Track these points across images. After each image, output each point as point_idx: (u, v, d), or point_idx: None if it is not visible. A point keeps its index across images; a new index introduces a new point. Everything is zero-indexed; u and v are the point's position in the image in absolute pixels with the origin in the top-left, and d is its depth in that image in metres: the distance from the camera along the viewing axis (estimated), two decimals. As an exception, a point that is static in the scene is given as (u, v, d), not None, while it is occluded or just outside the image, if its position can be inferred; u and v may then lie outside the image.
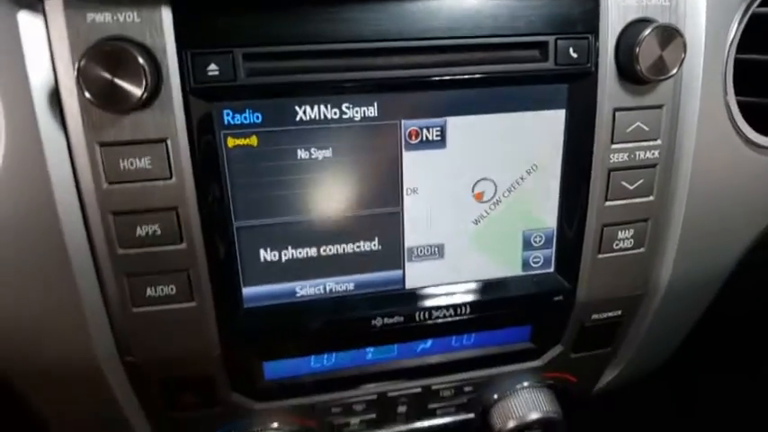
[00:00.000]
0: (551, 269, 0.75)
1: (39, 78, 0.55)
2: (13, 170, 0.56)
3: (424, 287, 0.72)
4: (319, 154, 0.64)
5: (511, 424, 0.82)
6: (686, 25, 0.68)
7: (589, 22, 0.64)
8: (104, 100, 0.53)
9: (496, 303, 0.74)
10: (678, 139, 0.71)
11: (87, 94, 0.52)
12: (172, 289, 0.62)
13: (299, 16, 0.58)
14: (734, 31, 0.71)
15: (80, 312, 0.62)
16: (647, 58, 0.63)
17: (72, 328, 0.62)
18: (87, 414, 0.71)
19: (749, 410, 1.15)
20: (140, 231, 0.60)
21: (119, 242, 0.60)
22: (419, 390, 0.79)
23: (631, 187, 0.70)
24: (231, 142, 0.62)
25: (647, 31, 0.62)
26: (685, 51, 0.64)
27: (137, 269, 0.61)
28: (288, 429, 0.76)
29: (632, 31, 0.64)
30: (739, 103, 0.74)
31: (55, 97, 0.56)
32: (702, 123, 0.71)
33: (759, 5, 0.72)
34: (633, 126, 0.68)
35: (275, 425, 0.76)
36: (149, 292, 0.62)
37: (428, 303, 0.71)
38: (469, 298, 0.72)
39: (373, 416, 0.80)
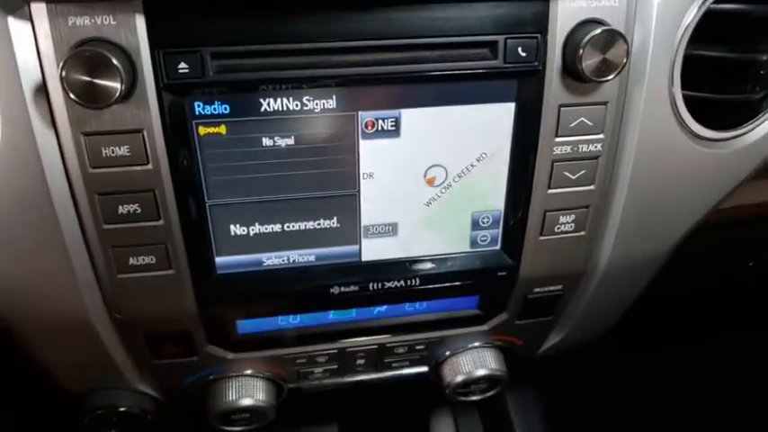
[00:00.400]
0: (497, 247, 0.82)
1: (28, 76, 0.62)
2: (9, 156, 0.64)
3: (379, 261, 0.80)
4: (282, 142, 0.70)
5: (459, 378, 0.91)
6: (635, 24, 0.71)
7: (538, 22, 0.68)
8: (86, 99, 0.59)
9: (445, 276, 0.81)
10: (622, 133, 0.76)
11: (71, 95, 0.59)
12: (152, 259, 0.71)
13: (264, 18, 0.64)
14: (684, 27, 0.74)
15: (72, 276, 0.71)
16: (590, 61, 0.67)
17: (65, 289, 0.71)
18: (81, 359, 0.81)
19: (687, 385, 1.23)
20: (122, 210, 0.67)
21: (103, 219, 0.68)
22: (375, 346, 0.88)
23: (573, 177, 0.76)
24: (202, 130, 0.68)
25: (590, 36, 0.66)
26: (629, 55, 0.68)
27: (120, 242, 0.69)
28: (259, 375, 0.87)
29: (579, 32, 0.68)
30: (688, 99, 0.77)
31: (43, 92, 0.62)
32: (647, 118, 0.76)
33: (714, 2, 0.76)
34: (577, 121, 0.73)
35: (249, 372, 0.87)
36: (132, 261, 0.71)
37: (381, 275, 0.79)
38: (420, 271, 0.80)
39: (335, 366, 0.90)
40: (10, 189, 0.65)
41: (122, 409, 0.85)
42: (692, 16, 0.73)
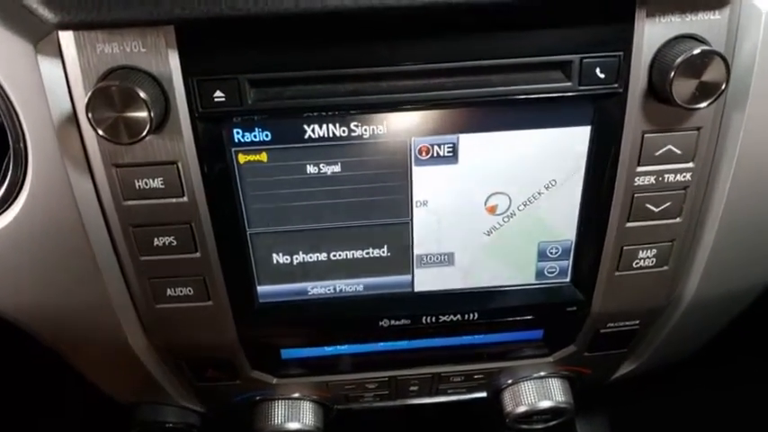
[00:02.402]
0: (567, 279, 0.74)
1: (58, 107, 0.58)
2: (41, 190, 0.61)
3: (433, 291, 0.73)
4: (328, 169, 0.65)
5: (521, 409, 0.85)
6: (738, 40, 0.61)
7: (620, 39, 0.59)
8: (115, 135, 0.55)
9: (507, 310, 0.74)
10: (717, 160, 0.66)
11: (100, 132, 0.55)
12: (190, 290, 0.67)
13: (305, 42, 0.57)
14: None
15: (109, 306, 0.68)
16: (682, 86, 0.57)
17: (104, 318, 0.69)
18: (125, 379, 0.80)
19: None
20: (158, 242, 0.64)
21: (139, 251, 0.64)
22: (429, 375, 0.83)
23: (657, 209, 0.67)
24: (242, 158, 0.63)
25: (684, 57, 0.56)
26: (729, 78, 0.58)
27: (157, 273, 0.66)
28: (306, 398, 0.83)
29: (670, 51, 0.58)
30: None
31: (73, 124, 0.59)
32: (747, 144, 0.65)
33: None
34: (664, 149, 0.63)
35: (296, 395, 0.83)
36: (170, 292, 0.67)
37: (436, 307, 0.73)
38: (479, 304, 0.74)
39: (386, 392, 0.85)
40: (45, 219, 0.63)
41: (169, 425, 0.84)
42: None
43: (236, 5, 0.52)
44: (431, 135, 0.64)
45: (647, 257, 0.70)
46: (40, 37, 0.56)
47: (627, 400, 1.05)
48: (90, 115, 0.54)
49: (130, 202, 0.62)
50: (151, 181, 0.61)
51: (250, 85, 0.58)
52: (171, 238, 0.64)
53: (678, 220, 0.68)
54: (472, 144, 0.64)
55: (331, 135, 0.63)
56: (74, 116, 0.58)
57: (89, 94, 0.53)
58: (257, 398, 0.83)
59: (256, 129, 0.62)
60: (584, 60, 0.59)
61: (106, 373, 0.81)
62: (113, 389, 0.84)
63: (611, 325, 0.77)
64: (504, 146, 0.65)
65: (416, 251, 0.71)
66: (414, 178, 0.66)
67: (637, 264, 0.70)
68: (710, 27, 0.59)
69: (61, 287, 0.67)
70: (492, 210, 0.69)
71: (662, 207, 0.67)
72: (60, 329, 0.72)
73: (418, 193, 0.67)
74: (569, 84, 0.60)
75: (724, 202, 0.69)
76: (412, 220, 0.69)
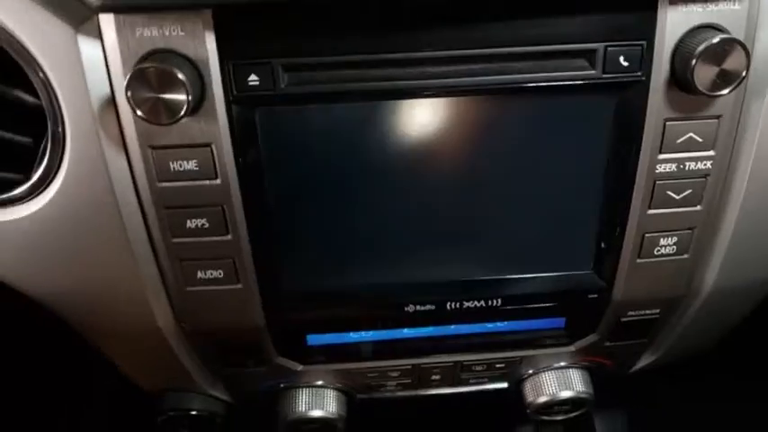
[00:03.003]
0: (589, 269, 0.75)
1: (97, 90, 0.60)
2: (78, 169, 0.62)
3: (458, 279, 0.74)
4: (357, 156, 0.66)
5: (542, 399, 0.86)
6: (758, 31, 0.62)
7: (643, 28, 0.60)
8: (153, 114, 0.57)
9: (530, 297, 0.75)
10: (735, 149, 0.67)
11: (139, 112, 0.57)
12: (220, 273, 0.69)
13: (339, 28, 0.59)
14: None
15: (141, 288, 0.70)
16: (704, 73, 0.58)
17: (135, 300, 0.71)
18: (153, 364, 0.82)
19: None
20: (190, 224, 0.65)
21: (171, 232, 0.66)
22: (452, 363, 0.84)
23: (678, 197, 0.68)
24: None
25: (705, 45, 0.57)
26: (749, 66, 0.59)
27: (188, 255, 0.68)
28: (330, 386, 0.85)
29: (691, 40, 0.59)
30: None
31: (111, 106, 0.60)
32: (766, 131, 0.67)
33: None
34: (685, 137, 0.65)
35: (320, 382, 0.85)
36: (200, 275, 0.69)
37: (460, 294, 0.74)
38: (502, 290, 0.75)
39: (408, 381, 0.86)
40: (80, 201, 0.64)
41: (193, 413, 0.85)
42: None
43: None
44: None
45: (668, 245, 0.71)
46: (81, 21, 0.58)
47: (644, 396, 1.05)
48: (129, 95, 0.55)
49: (165, 184, 0.63)
50: (185, 163, 0.62)
51: (283, 69, 0.60)
52: (203, 221, 0.65)
53: (699, 207, 0.69)
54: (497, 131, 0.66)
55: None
56: (112, 99, 0.60)
57: (129, 74, 0.55)
58: (282, 385, 0.84)
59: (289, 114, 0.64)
60: (609, 49, 0.61)
61: (136, 359, 0.82)
62: (142, 376, 0.85)
63: (632, 313, 0.78)
64: (530, 132, 0.66)
65: (440, 239, 0.72)
66: None
67: (658, 251, 0.71)
68: (731, 16, 0.60)
69: (94, 270, 0.69)
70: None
71: (683, 194, 0.68)
72: (92, 313, 0.73)
73: (443, 182, 0.69)
74: (594, 72, 0.61)
75: (743, 192, 0.70)
76: None
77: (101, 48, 0.58)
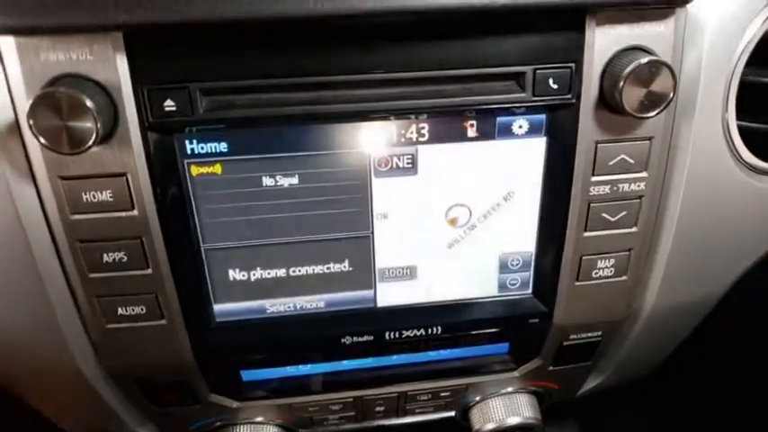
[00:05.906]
0: (529, 291, 0.73)
1: (0, 116, 0.56)
2: None
3: (396, 306, 0.72)
4: (285, 181, 0.64)
5: (490, 426, 0.83)
6: (684, 51, 0.62)
7: (572, 50, 0.60)
8: (58, 145, 0.53)
9: (471, 323, 0.74)
10: (668, 170, 0.67)
11: (42, 140, 0.53)
12: (142, 309, 0.65)
13: (257, 50, 0.57)
14: (740, 51, 0.65)
15: (58, 328, 0.65)
16: (632, 95, 0.58)
17: (52, 341, 0.66)
18: (78, 407, 0.76)
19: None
20: (107, 258, 0.62)
21: (87, 267, 0.62)
22: (395, 394, 0.81)
23: (613, 219, 0.67)
24: (195, 170, 0.62)
25: (632, 66, 0.57)
26: (676, 88, 0.59)
27: (107, 291, 0.64)
28: (270, 423, 0.81)
29: (620, 61, 0.59)
30: (742, 130, 0.68)
31: (16, 134, 0.57)
32: (697, 152, 0.67)
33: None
34: (617, 158, 0.64)
35: (259, 418, 0.81)
36: (121, 311, 0.65)
37: (399, 322, 0.72)
38: (442, 317, 0.72)
39: (352, 413, 0.83)
40: None
41: (124, 456, 0.81)
42: (749, 37, 0.64)
43: (184, 12, 0.51)
44: (389, 146, 0.63)
45: (606, 267, 0.70)
46: None
47: (597, 413, 1.04)
48: (32, 122, 0.52)
49: (78, 216, 0.59)
50: (99, 194, 0.59)
51: (202, 93, 0.57)
52: (121, 254, 0.62)
53: (634, 229, 0.68)
54: (431, 155, 0.64)
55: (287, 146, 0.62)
56: (17, 126, 0.57)
57: (31, 100, 0.52)
58: (217, 423, 0.80)
59: (211, 140, 0.61)
60: (538, 71, 0.60)
61: (57, 403, 0.77)
62: (65, 420, 0.80)
63: (574, 337, 0.77)
64: (462, 157, 0.65)
65: (378, 265, 0.70)
66: (374, 190, 0.65)
67: (596, 274, 0.70)
68: (657, 38, 0.60)
69: (5, 307, 0.64)
70: (453, 222, 0.68)
71: (618, 216, 0.67)
72: (6, 357, 0.68)
73: (379, 206, 0.66)
74: (524, 94, 0.61)
75: (678, 212, 0.70)
76: (373, 233, 0.68)
77: (2, 72, 0.55)
